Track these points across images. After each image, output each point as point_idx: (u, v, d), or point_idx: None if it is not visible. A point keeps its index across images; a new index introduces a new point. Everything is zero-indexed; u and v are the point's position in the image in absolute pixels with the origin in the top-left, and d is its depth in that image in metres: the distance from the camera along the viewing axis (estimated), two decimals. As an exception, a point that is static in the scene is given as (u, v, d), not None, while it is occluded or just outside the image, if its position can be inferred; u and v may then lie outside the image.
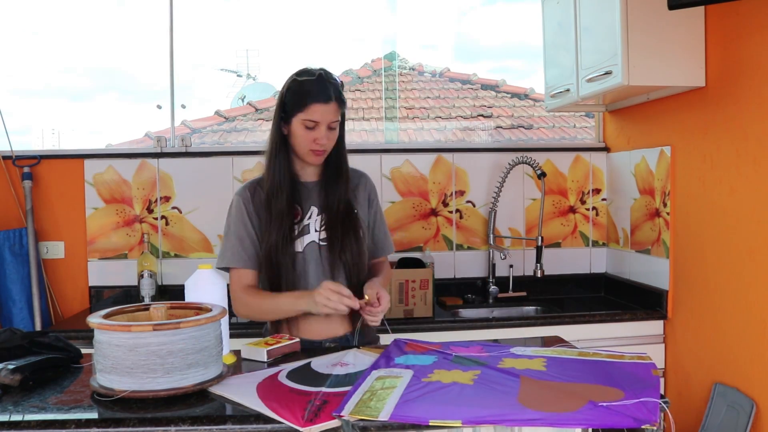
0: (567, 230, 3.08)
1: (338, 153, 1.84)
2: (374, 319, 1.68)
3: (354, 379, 1.29)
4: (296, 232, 1.79)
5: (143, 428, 1.08)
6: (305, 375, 1.35)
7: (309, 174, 1.86)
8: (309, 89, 1.74)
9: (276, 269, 1.76)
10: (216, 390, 1.23)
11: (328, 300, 1.59)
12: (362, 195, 1.91)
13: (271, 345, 1.53)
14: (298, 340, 1.62)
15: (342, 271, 1.80)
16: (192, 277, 1.46)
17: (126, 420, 1.09)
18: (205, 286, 1.45)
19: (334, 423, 1.08)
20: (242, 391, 1.23)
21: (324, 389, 1.24)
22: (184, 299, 1.45)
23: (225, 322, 1.47)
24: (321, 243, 1.80)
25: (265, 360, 1.49)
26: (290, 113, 1.76)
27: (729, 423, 2.09)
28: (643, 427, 1.12)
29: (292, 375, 1.35)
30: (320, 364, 1.44)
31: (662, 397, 1.19)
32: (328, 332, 1.80)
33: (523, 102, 4.45)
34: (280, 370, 1.39)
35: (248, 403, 1.17)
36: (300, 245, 1.79)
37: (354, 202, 1.87)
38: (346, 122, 1.86)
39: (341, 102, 1.77)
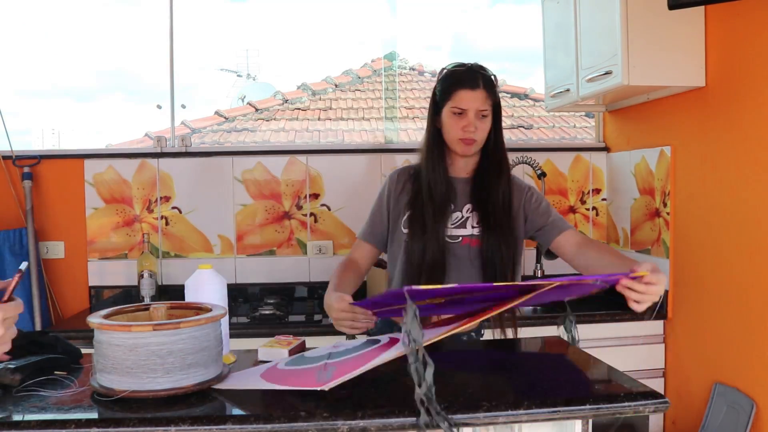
0: (567, 230, 3.08)
1: (496, 147, 1.80)
2: (640, 297, 1.38)
3: (357, 348, 1.28)
4: (448, 226, 1.77)
5: (143, 428, 1.08)
6: (303, 361, 1.34)
7: (460, 170, 1.83)
8: (457, 77, 1.75)
9: (419, 262, 1.74)
10: (220, 385, 1.23)
11: (340, 322, 1.57)
12: (519, 201, 1.83)
13: (291, 344, 1.52)
14: (303, 339, 1.60)
15: (491, 271, 1.75)
16: (192, 277, 1.46)
17: (126, 420, 1.09)
18: (205, 286, 1.45)
19: (348, 375, 1.10)
20: (247, 382, 1.23)
21: (327, 361, 1.24)
22: (184, 299, 1.45)
23: (225, 322, 1.47)
24: (473, 238, 1.77)
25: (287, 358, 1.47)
26: (440, 104, 1.77)
27: (729, 423, 2.09)
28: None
29: (290, 363, 1.34)
30: (313, 352, 1.43)
31: (662, 397, 1.19)
32: None
33: (523, 102, 4.46)
34: (277, 362, 1.38)
35: (256, 387, 1.17)
36: (450, 240, 1.76)
37: (513, 203, 1.81)
38: (496, 119, 1.79)
39: (491, 92, 1.75)
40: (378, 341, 1.33)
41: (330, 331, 2.24)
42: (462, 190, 1.81)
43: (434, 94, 1.81)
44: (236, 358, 1.49)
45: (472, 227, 1.77)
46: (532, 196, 1.83)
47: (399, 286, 1.77)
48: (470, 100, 1.72)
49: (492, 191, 1.77)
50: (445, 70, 1.79)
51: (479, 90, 1.73)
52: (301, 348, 1.57)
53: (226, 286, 1.49)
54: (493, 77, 1.79)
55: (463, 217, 1.79)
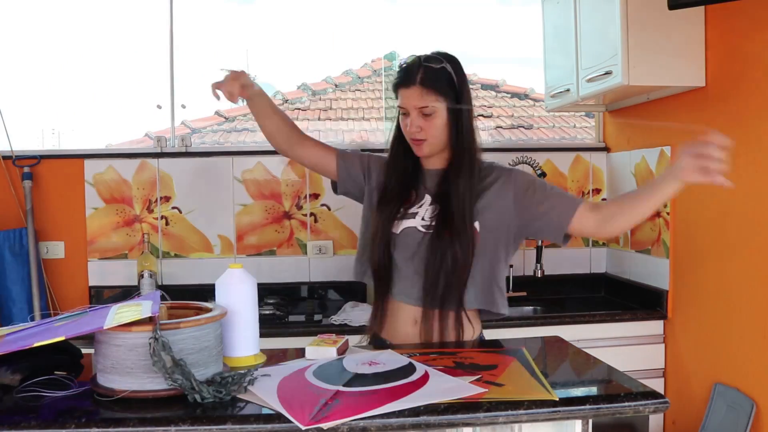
0: (567, 230, 3.08)
1: (459, 143, 1.67)
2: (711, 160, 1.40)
3: (380, 378, 1.27)
4: (399, 215, 1.69)
5: (143, 428, 1.08)
6: (332, 372, 1.32)
7: (433, 162, 1.73)
8: (397, 75, 1.68)
9: (372, 248, 1.69)
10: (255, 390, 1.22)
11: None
12: (504, 194, 1.69)
13: (338, 343, 1.49)
14: (347, 338, 1.55)
15: (441, 265, 1.62)
16: (223, 277, 1.45)
17: (126, 420, 1.09)
18: (236, 284, 1.44)
19: (339, 422, 1.07)
20: (264, 386, 1.22)
21: (341, 388, 1.22)
22: (184, 299, 1.45)
23: (255, 321, 1.45)
24: (423, 230, 1.66)
25: (336, 357, 1.45)
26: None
27: (729, 423, 2.09)
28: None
29: (319, 371, 1.32)
30: (352, 360, 1.40)
31: (662, 397, 1.19)
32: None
33: (523, 102, 4.45)
34: (310, 365, 1.36)
35: (264, 396, 1.16)
36: (397, 228, 1.68)
37: (485, 200, 1.68)
38: (457, 114, 1.66)
39: (433, 87, 1.62)
40: (409, 371, 1.31)
41: (330, 331, 2.24)
42: (431, 181, 1.72)
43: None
44: (266, 357, 1.47)
45: (422, 219, 1.68)
46: (527, 188, 1.69)
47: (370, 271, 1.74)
48: (406, 98, 1.64)
49: (454, 184, 1.66)
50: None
51: (414, 87, 1.62)
52: (346, 347, 1.53)
53: (256, 285, 1.47)
54: (444, 69, 1.64)
55: (421, 207, 1.70)
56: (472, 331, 1.69)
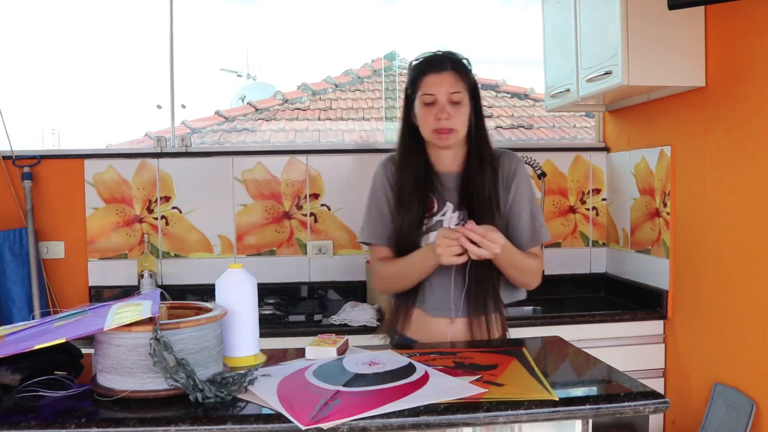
0: (567, 230, 3.08)
1: (479, 137, 1.66)
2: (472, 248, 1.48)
3: (380, 378, 1.27)
4: (425, 227, 1.65)
5: (143, 428, 1.08)
6: (332, 372, 1.32)
7: (447, 164, 1.69)
8: (423, 64, 1.66)
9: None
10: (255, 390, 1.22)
11: (447, 248, 1.49)
12: (500, 182, 1.68)
13: (338, 343, 1.49)
14: (347, 338, 1.55)
15: (474, 278, 1.61)
16: (223, 277, 1.45)
17: (126, 420, 1.09)
18: (236, 284, 1.44)
19: (339, 422, 1.07)
20: (264, 386, 1.22)
21: (341, 388, 1.22)
22: (185, 299, 1.45)
23: (255, 321, 1.45)
24: None
25: (336, 357, 1.45)
26: (412, 97, 1.66)
27: (729, 423, 2.09)
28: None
29: (319, 371, 1.32)
30: (352, 360, 1.40)
31: (662, 397, 1.19)
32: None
33: (523, 102, 4.45)
34: (310, 366, 1.36)
35: (264, 396, 1.16)
36: (426, 242, 1.64)
37: (498, 194, 1.67)
38: (476, 105, 1.67)
39: (462, 74, 1.63)
40: (410, 371, 1.32)
41: (330, 331, 2.24)
42: (446, 185, 1.69)
43: (406, 90, 1.71)
44: (266, 357, 1.47)
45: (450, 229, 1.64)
46: (508, 164, 1.69)
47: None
48: (438, 83, 1.61)
49: (478, 187, 1.64)
50: (413, 63, 1.70)
51: (447, 72, 1.62)
52: (346, 347, 1.53)
53: (256, 285, 1.47)
54: (465, 61, 1.67)
55: (444, 216, 1.68)
56: (501, 329, 1.72)
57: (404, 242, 1.66)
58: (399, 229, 1.67)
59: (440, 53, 1.68)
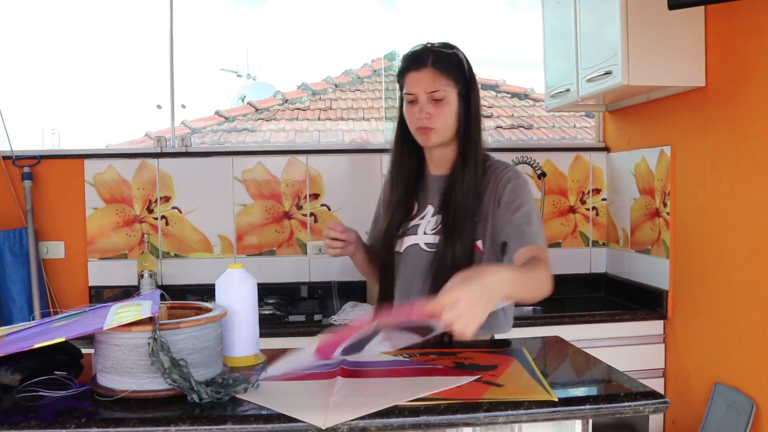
0: (567, 230, 3.08)
1: (466, 137, 1.56)
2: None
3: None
4: (401, 231, 1.60)
5: (143, 428, 1.08)
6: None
7: (438, 165, 1.62)
8: (405, 61, 1.58)
9: (381, 265, 1.64)
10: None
11: (330, 247, 1.57)
12: (490, 189, 1.56)
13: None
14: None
15: (439, 282, 1.47)
16: (223, 277, 1.45)
17: (126, 420, 1.09)
18: (236, 284, 1.44)
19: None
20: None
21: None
22: (185, 299, 1.45)
23: (255, 321, 1.45)
24: (426, 249, 1.57)
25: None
26: (401, 98, 1.59)
27: (729, 423, 2.09)
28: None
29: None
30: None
31: (662, 397, 1.19)
32: None
33: (523, 102, 4.45)
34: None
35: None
36: (400, 246, 1.61)
37: (483, 203, 1.56)
38: (467, 103, 1.57)
39: (446, 71, 1.53)
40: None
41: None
42: (431, 187, 1.63)
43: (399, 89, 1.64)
44: (266, 357, 1.46)
45: (424, 233, 1.59)
46: (504, 195, 1.54)
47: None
48: (417, 81, 1.53)
49: (457, 190, 1.54)
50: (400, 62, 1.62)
51: (426, 69, 1.52)
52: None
53: (256, 285, 1.47)
54: (455, 54, 1.56)
55: (423, 219, 1.62)
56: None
57: (384, 246, 1.64)
58: (380, 233, 1.67)
59: (425, 46, 1.58)
